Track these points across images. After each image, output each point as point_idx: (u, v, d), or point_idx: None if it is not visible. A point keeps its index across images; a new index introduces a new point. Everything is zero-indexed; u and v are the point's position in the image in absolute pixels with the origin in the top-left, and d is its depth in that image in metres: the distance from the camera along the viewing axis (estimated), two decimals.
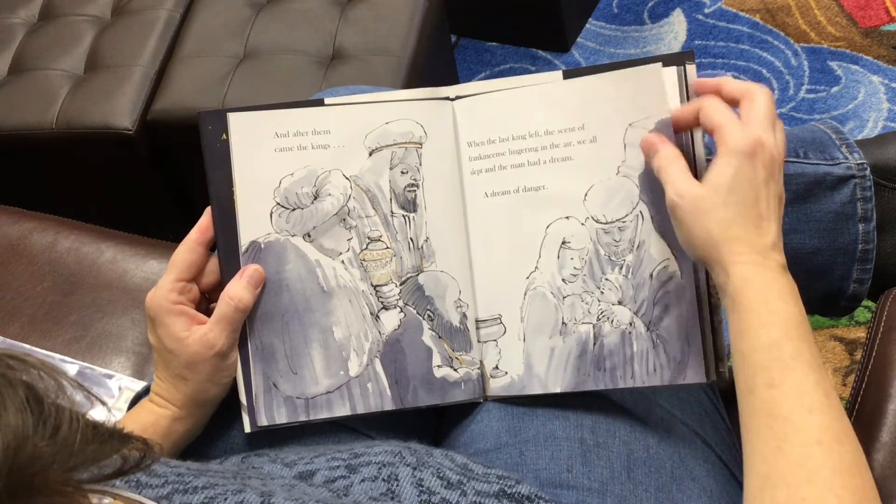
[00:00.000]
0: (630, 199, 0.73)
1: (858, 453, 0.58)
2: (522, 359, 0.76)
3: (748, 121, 0.66)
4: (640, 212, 0.73)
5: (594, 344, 0.75)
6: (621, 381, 0.74)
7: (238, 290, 0.72)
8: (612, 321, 0.74)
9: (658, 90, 0.73)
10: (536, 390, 0.75)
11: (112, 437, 0.38)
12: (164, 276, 0.73)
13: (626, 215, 0.74)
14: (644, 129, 0.73)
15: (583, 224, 0.75)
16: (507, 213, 0.76)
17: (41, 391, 0.36)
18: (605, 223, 0.74)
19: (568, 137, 0.75)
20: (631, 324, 0.74)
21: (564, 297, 0.75)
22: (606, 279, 0.74)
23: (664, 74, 0.73)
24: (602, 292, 0.75)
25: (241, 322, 0.72)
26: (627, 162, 0.73)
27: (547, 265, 0.75)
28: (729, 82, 0.69)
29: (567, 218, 0.75)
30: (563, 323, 0.75)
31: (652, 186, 0.73)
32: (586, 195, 0.74)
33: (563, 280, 0.75)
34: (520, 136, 0.75)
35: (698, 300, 0.73)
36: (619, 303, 0.74)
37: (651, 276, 0.73)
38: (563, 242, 0.75)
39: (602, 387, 0.74)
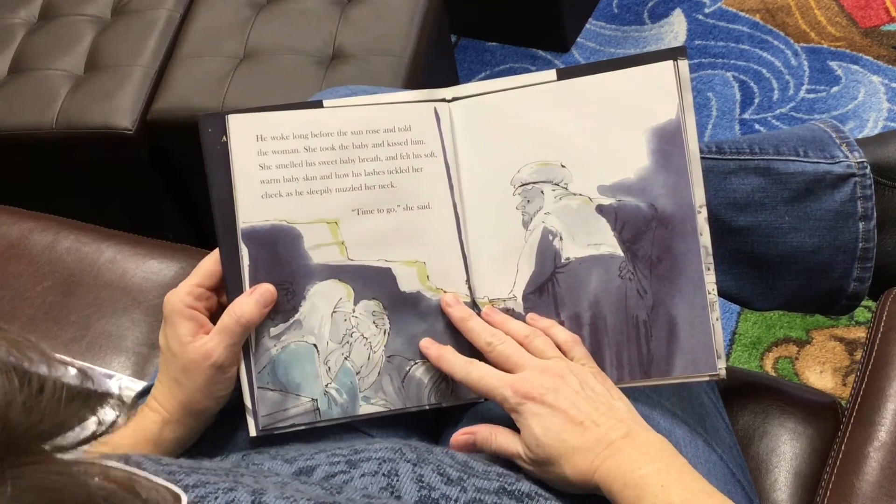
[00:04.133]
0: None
1: None
2: None
3: (507, 365, 0.70)
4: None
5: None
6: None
7: (245, 306, 0.71)
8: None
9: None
10: None
11: (91, 396, 0.38)
12: (187, 278, 0.73)
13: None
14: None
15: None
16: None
17: (19, 359, 0.37)
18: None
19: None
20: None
21: None
22: None
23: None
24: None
25: (243, 337, 0.71)
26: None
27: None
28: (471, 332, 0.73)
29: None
30: None
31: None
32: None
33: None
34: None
35: (704, 297, 0.73)
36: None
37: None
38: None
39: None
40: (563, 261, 0.75)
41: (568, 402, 0.67)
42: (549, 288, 0.75)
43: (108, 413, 0.39)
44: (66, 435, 0.37)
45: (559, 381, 0.68)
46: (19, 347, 0.37)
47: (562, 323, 0.75)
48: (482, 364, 0.71)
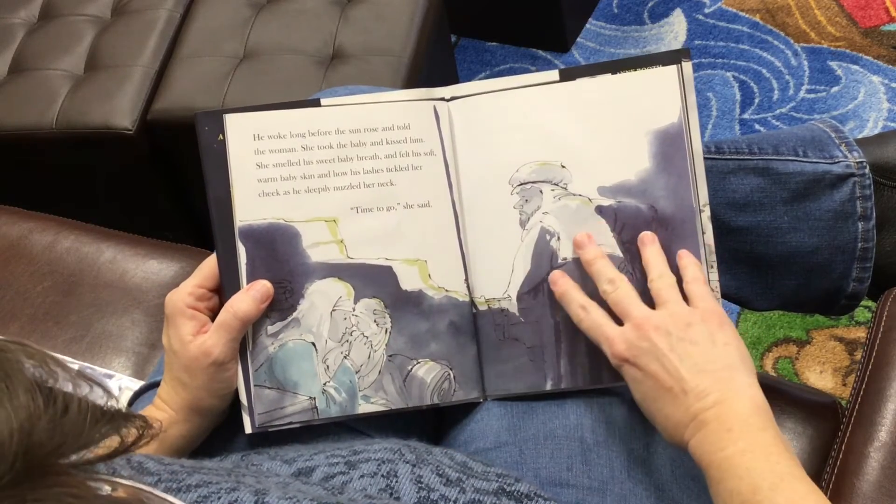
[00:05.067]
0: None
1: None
2: None
3: (616, 312, 0.70)
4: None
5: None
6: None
7: (242, 302, 0.71)
8: None
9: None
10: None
11: (117, 416, 0.38)
12: (188, 279, 0.73)
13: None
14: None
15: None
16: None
17: (43, 375, 0.36)
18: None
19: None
20: None
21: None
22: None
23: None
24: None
25: (241, 333, 0.72)
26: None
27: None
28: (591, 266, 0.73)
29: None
30: None
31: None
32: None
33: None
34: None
35: None
36: None
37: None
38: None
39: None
40: (559, 261, 0.75)
41: (658, 364, 0.66)
42: (544, 288, 0.75)
43: (130, 432, 0.39)
44: (88, 452, 0.37)
45: (655, 339, 0.66)
46: (45, 364, 0.36)
47: (557, 324, 0.75)
48: (596, 311, 0.71)
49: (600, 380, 0.74)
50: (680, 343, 0.66)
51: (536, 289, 0.75)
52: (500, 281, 0.76)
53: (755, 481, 0.59)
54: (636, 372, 0.67)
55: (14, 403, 0.34)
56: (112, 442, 0.38)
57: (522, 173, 0.75)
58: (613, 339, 0.68)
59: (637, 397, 0.68)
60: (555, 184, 0.75)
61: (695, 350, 0.66)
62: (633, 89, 0.74)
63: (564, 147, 0.75)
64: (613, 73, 0.74)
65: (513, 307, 0.75)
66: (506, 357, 0.76)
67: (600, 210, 0.74)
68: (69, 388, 0.37)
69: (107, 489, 0.37)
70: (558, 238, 0.75)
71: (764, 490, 0.59)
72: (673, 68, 0.73)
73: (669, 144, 0.73)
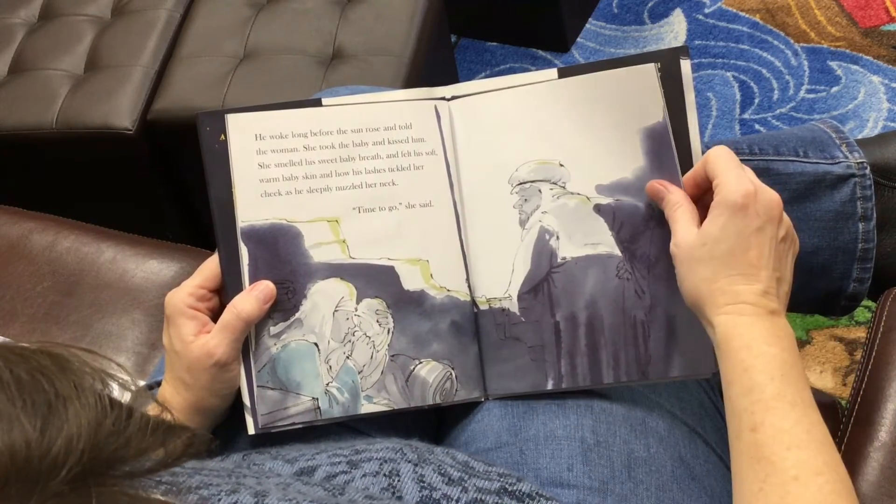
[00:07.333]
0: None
1: (840, 482, 0.59)
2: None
3: (740, 173, 0.68)
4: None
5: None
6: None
7: (245, 303, 0.71)
8: None
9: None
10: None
11: (172, 428, 0.39)
12: (189, 279, 0.73)
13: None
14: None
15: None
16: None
17: (106, 382, 0.38)
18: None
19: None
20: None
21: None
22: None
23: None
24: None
25: (244, 334, 0.72)
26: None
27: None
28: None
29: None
30: None
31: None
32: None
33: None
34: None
35: None
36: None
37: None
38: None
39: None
40: (559, 260, 0.75)
41: (764, 235, 0.66)
42: (544, 288, 0.75)
43: (178, 444, 0.40)
44: (139, 462, 0.38)
45: (770, 220, 0.67)
46: (108, 372, 0.38)
47: (556, 324, 0.75)
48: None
49: (600, 379, 0.74)
50: (778, 244, 0.68)
51: (537, 288, 0.75)
52: (500, 280, 0.76)
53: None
54: (743, 217, 0.66)
55: (83, 402, 0.36)
56: (157, 454, 0.39)
57: (521, 172, 0.75)
58: (745, 192, 0.66)
59: (712, 231, 0.66)
60: (553, 182, 0.75)
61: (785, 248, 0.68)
62: (623, 87, 0.74)
63: (563, 145, 0.75)
64: (608, 70, 0.74)
65: (514, 307, 0.76)
66: (507, 357, 0.76)
67: (598, 209, 0.74)
68: (128, 397, 0.38)
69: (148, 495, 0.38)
70: (557, 237, 0.75)
71: (793, 365, 0.63)
72: (650, 66, 0.73)
73: (658, 142, 0.73)
